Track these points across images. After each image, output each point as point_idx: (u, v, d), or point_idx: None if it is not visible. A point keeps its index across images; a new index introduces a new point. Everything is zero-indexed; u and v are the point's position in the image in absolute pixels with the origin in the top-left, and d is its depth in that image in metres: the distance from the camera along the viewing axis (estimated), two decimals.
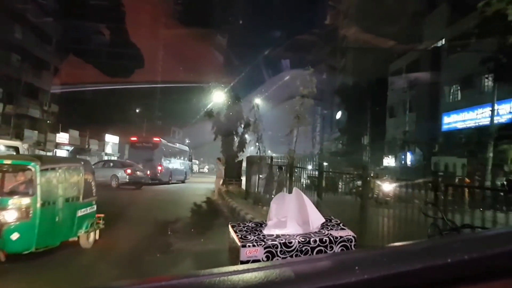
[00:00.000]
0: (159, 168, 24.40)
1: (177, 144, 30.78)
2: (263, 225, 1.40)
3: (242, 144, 21.33)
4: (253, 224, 1.42)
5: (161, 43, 62.05)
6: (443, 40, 28.23)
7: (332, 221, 1.43)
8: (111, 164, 23.08)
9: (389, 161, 35.35)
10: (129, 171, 21.54)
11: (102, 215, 7.45)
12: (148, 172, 22.40)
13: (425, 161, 27.63)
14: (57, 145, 39.60)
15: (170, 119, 66.11)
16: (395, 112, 34.86)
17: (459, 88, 26.12)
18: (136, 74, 52.45)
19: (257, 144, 16.18)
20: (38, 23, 36.17)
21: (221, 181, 18.16)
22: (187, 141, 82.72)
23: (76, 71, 43.63)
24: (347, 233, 1.31)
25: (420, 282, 0.59)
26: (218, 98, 22.54)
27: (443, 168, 24.66)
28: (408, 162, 30.18)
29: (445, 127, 26.30)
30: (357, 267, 0.65)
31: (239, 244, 1.21)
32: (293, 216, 1.33)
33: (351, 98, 43.51)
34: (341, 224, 1.41)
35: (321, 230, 1.32)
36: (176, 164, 27.98)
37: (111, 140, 53.86)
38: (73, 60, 43.42)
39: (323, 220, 1.38)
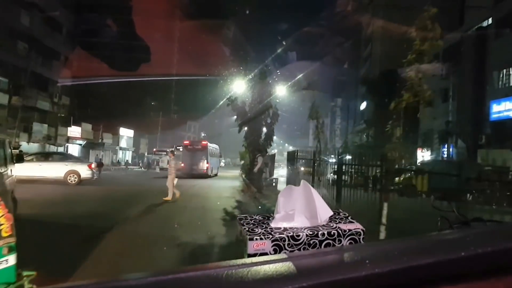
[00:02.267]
0: (207, 165, 29.62)
1: (213, 145, 34.55)
2: (270, 218, 1.36)
3: (270, 137, 18.95)
4: (260, 217, 1.39)
5: (175, 35, 59.96)
6: (489, 20, 25.33)
7: (341, 214, 1.41)
8: (61, 157, 20.47)
9: (423, 155, 32.57)
10: (93, 165, 20.15)
11: (32, 273, 2.37)
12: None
13: (469, 155, 24.83)
14: (69, 139, 37.62)
15: (185, 112, 64.33)
16: (430, 101, 31.97)
17: (511, 72, 23.24)
18: (150, 67, 50.51)
19: (316, 135, 13.74)
20: (47, 10, 34.10)
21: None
22: (203, 135, 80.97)
23: (89, 63, 41.73)
24: (356, 226, 1.27)
25: (432, 275, 0.58)
26: (239, 87, 20.50)
27: (494, 162, 21.94)
28: (449, 156, 27.35)
29: (494, 116, 23.45)
30: (367, 261, 0.65)
31: (246, 237, 1.18)
32: (300, 209, 1.32)
33: (378, 87, 40.78)
34: (349, 217, 1.37)
35: (329, 223, 1.30)
36: (214, 161, 32.97)
37: (126, 133, 52.00)
38: (85, 52, 41.49)
39: (331, 213, 1.34)
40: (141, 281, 0.72)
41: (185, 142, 32.88)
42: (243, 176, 20.98)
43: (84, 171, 18.80)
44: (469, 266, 0.59)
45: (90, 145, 40.95)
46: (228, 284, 0.66)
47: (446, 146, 27.66)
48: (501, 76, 24.05)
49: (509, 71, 23.27)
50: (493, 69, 24.40)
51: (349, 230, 1.23)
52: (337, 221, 1.32)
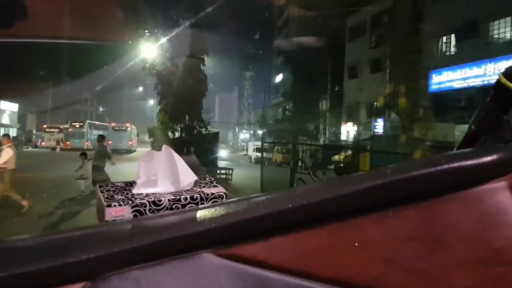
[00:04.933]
0: (130, 142, 36.52)
1: (133, 126, 39.71)
2: (133, 185, 1.30)
3: (197, 110, 15.26)
4: (122, 184, 1.33)
5: None
6: None
7: (206, 179, 1.40)
8: None
9: (349, 129, 30.93)
10: None
11: None
12: None
13: (405, 129, 23.27)
14: None
15: (80, 84, 57.11)
16: (358, 71, 30.14)
17: (451, 40, 21.75)
18: (34, 28, 43.09)
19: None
20: None
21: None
22: (101, 109, 73.71)
23: None
24: (219, 190, 1.29)
25: (265, 227, 0.65)
26: (149, 53, 16.79)
27: (434, 137, 20.51)
28: (380, 131, 25.69)
29: (434, 87, 21.95)
30: (208, 218, 0.71)
31: (104, 204, 1.15)
32: (163, 174, 1.29)
33: (296, 59, 38.51)
34: (214, 182, 1.37)
35: (193, 188, 1.29)
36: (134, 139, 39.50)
37: (8, 107, 44.24)
38: None
39: (195, 177, 1.34)
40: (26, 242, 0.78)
41: (112, 123, 39.87)
42: None
43: None
44: (296, 217, 0.63)
45: None
46: (75, 247, 0.68)
47: (378, 120, 25.99)
48: (440, 44, 22.55)
49: (450, 38, 21.79)
50: (429, 37, 22.82)
51: (212, 194, 1.22)
52: (201, 186, 1.30)
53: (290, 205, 0.64)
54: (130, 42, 17.76)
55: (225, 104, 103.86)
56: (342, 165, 19.93)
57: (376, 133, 25.56)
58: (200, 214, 0.75)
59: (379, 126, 25.59)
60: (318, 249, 0.62)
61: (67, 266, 0.63)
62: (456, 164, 0.57)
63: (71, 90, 56.03)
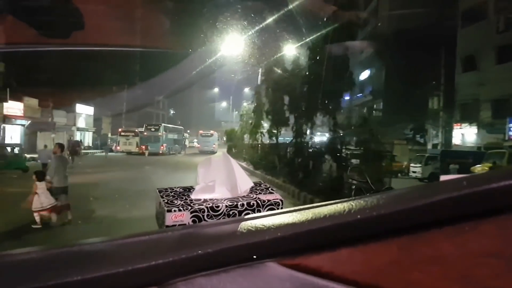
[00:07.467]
0: (214, 145, 41.71)
1: (215, 132, 45.03)
2: (191, 190, 1.32)
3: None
4: (181, 189, 1.35)
5: (134, 5, 50.59)
6: None
7: (262, 185, 1.41)
8: None
9: (465, 132, 26.07)
10: None
11: None
12: None
13: None
14: (6, 118, 28.83)
15: (152, 87, 56.12)
16: (476, 63, 25.24)
17: None
18: (109, 35, 41.78)
19: None
20: None
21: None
22: (172, 112, 72.80)
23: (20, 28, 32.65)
24: (275, 196, 1.29)
25: (330, 239, 0.64)
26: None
27: None
28: None
29: None
30: (272, 227, 0.69)
31: (164, 209, 1.17)
32: (221, 180, 1.30)
33: (390, 52, 33.94)
34: (270, 188, 1.38)
35: (249, 194, 1.30)
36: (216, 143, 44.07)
37: (84, 111, 43.38)
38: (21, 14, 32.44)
39: (252, 184, 1.34)
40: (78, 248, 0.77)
41: (200, 131, 45.47)
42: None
43: None
44: (365, 229, 0.61)
45: (37, 126, 32.36)
46: (142, 252, 0.69)
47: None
48: None
49: None
50: None
51: (268, 200, 1.23)
52: (258, 192, 1.31)
53: (358, 216, 0.62)
54: (190, 50, 16.51)
55: None
56: None
57: (511, 137, 20.75)
58: (264, 222, 0.72)
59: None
60: (387, 263, 0.59)
61: (136, 272, 0.64)
62: None
63: (144, 93, 55.17)
